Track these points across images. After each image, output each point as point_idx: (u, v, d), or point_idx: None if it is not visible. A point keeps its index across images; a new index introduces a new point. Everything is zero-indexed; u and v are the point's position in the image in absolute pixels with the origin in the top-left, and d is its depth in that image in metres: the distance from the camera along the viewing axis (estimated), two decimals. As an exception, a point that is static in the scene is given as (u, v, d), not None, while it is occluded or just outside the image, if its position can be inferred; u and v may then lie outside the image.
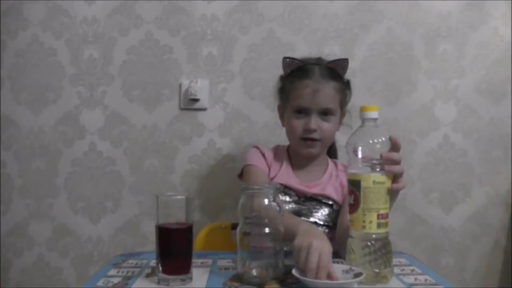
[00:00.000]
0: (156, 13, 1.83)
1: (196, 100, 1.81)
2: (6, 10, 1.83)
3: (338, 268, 0.97)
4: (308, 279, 0.91)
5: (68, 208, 1.85)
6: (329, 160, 1.48)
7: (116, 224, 1.85)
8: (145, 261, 1.15)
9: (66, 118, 1.84)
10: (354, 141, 1.00)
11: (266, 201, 0.99)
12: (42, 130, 1.85)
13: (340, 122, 1.43)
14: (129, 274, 1.05)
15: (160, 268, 0.98)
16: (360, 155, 0.98)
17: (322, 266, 0.92)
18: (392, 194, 0.99)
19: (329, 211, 1.38)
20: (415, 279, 1.02)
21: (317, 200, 1.38)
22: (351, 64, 1.80)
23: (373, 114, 0.99)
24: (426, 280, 1.02)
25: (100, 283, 0.99)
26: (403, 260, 1.18)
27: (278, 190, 1.02)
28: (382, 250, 0.97)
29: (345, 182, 1.40)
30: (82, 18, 1.84)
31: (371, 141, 0.98)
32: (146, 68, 1.84)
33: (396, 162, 0.98)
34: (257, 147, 1.47)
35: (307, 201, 1.37)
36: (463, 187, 1.86)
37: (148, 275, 1.04)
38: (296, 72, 1.37)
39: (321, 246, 0.95)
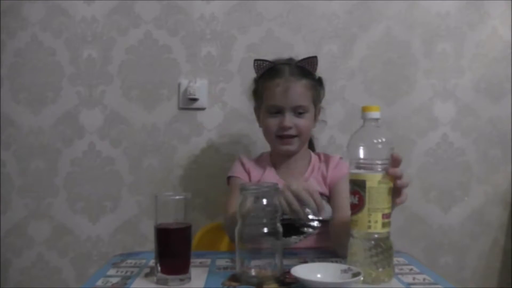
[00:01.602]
0: (155, 13, 1.83)
1: (195, 99, 1.82)
2: (6, 9, 1.83)
3: (336, 268, 0.97)
4: (307, 279, 0.92)
5: (67, 207, 1.85)
6: (312, 153, 1.50)
7: (115, 223, 1.85)
8: (144, 261, 1.15)
9: (65, 117, 1.85)
10: (356, 141, 1.00)
11: (264, 201, 1.00)
12: (41, 129, 1.85)
13: (316, 119, 1.46)
14: (128, 274, 1.06)
15: (159, 268, 0.98)
16: (362, 155, 0.98)
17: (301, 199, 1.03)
18: (393, 206, 1.00)
19: None
20: (414, 278, 1.02)
21: None
22: (350, 64, 1.84)
23: (375, 114, 0.99)
24: (424, 279, 1.02)
25: (99, 283, 0.99)
26: (401, 259, 1.18)
27: (277, 189, 1.02)
28: (385, 249, 0.98)
29: (326, 173, 1.41)
30: (81, 17, 1.84)
31: (374, 141, 0.98)
32: (145, 68, 1.84)
33: (400, 177, 0.98)
34: (239, 158, 1.50)
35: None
36: (462, 186, 1.87)
37: (147, 275, 1.04)
38: (267, 72, 1.40)
39: (284, 187, 1.05)
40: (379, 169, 0.97)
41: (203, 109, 1.84)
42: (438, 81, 1.85)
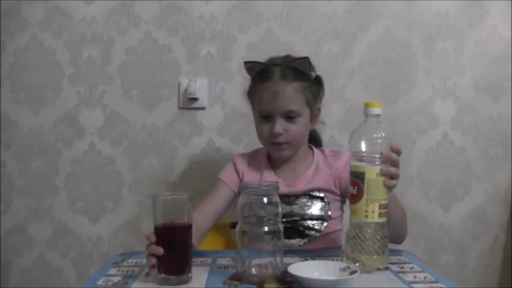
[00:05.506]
0: (154, 13, 1.83)
1: (195, 99, 1.82)
2: (5, 10, 1.83)
3: (335, 266, 0.98)
4: (305, 277, 0.92)
5: (68, 207, 1.85)
6: (315, 151, 1.43)
7: (116, 223, 1.85)
8: (145, 260, 1.15)
9: (66, 118, 1.85)
10: (357, 135, 1.04)
11: (265, 199, 1.00)
12: (41, 130, 1.85)
13: (314, 121, 1.39)
14: (129, 273, 1.06)
15: (160, 268, 0.98)
16: (363, 149, 1.03)
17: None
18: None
19: (321, 205, 1.35)
20: (414, 276, 1.02)
21: (308, 196, 1.35)
22: (350, 63, 1.84)
23: (377, 110, 1.03)
24: (425, 277, 1.02)
25: (100, 282, 0.99)
26: (402, 258, 1.17)
27: (277, 189, 1.02)
28: (381, 237, 1.02)
29: (337, 170, 1.36)
30: (81, 18, 1.84)
31: (374, 136, 1.03)
32: (145, 67, 1.84)
33: (394, 163, 1.03)
34: (232, 159, 1.45)
35: (298, 199, 1.34)
36: (462, 185, 1.87)
37: (148, 274, 1.04)
38: (258, 75, 1.34)
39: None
40: (377, 163, 1.02)
41: (203, 108, 1.84)
42: (438, 79, 1.85)
